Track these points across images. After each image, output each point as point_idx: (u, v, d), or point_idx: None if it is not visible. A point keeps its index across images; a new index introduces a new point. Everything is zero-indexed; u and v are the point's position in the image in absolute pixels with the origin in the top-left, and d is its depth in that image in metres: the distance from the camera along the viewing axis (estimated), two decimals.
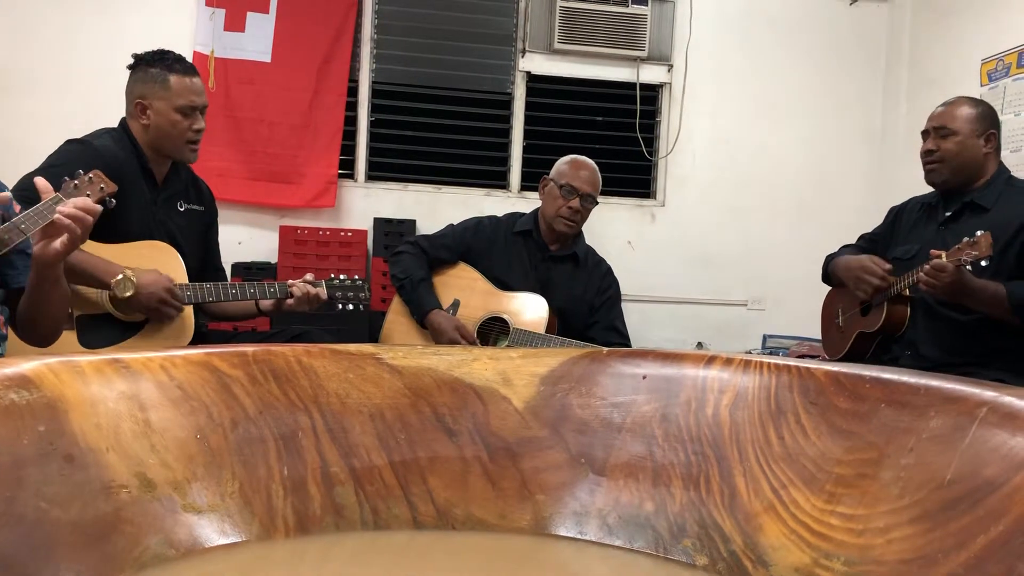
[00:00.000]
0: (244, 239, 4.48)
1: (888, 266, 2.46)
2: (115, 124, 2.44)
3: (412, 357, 1.14)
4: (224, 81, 4.49)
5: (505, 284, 2.80)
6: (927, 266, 2.19)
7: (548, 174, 2.88)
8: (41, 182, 1.64)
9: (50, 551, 0.76)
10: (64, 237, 1.60)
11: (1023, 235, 2.31)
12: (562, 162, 2.88)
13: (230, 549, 0.92)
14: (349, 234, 4.47)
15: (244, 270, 4.27)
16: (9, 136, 4.14)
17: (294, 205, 4.60)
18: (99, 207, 1.67)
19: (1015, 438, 0.76)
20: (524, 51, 4.83)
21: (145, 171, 2.38)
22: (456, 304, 2.78)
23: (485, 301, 2.78)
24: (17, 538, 0.75)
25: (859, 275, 2.52)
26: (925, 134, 2.52)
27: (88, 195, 1.74)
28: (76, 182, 1.75)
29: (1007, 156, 3.93)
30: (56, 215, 1.58)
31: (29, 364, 0.89)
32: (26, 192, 1.89)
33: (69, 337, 2.15)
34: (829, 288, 2.90)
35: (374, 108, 4.77)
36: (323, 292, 2.44)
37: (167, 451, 0.93)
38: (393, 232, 4.49)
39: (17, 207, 1.75)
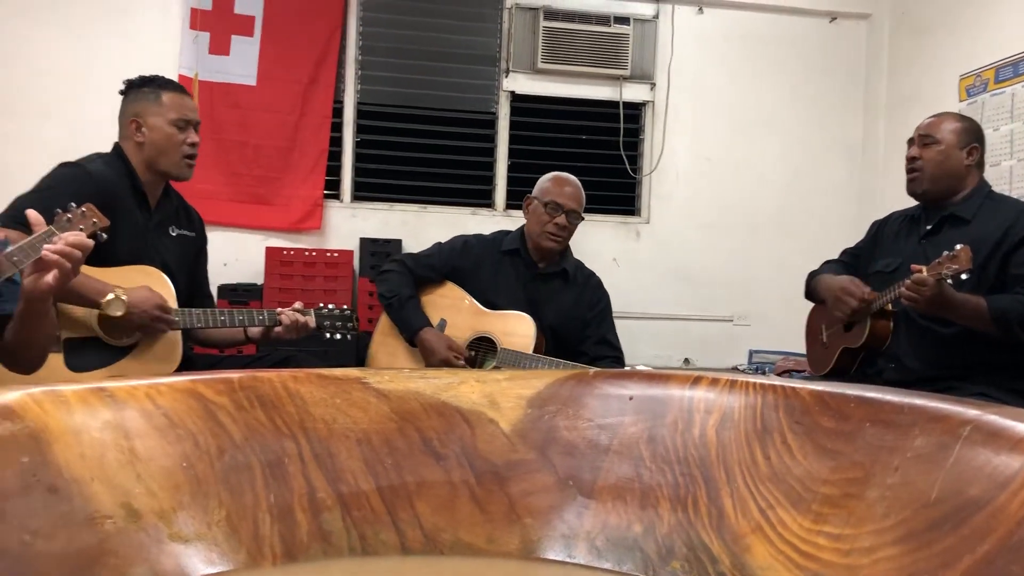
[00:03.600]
0: (230, 261, 4.47)
1: (868, 290, 2.47)
2: (100, 146, 2.44)
3: (399, 381, 1.13)
4: (209, 104, 4.49)
5: (493, 304, 2.79)
6: (908, 281, 2.21)
7: (531, 192, 2.89)
8: (33, 215, 1.63)
9: None
10: (55, 272, 1.59)
11: (1003, 247, 2.33)
12: (545, 179, 2.88)
13: None
14: (335, 255, 4.46)
15: (230, 292, 4.25)
16: None
17: (280, 227, 4.60)
18: (91, 242, 1.66)
19: (999, 456, 0.76)
20: (508, 71, 4.86)
21: (138, 194, 2.38)
22: (443, 324, 2.77)
23: (472, 321, 2.77)
24: (1, 572, 0.74)
25: (839, 295, 2.53)
26: (910, 142, 2.55)
27: (81, 228, 1.74)
28: (69, 215, 1.75)
29: (986, 170, 3.98)
30: (44, 252, 1.57)
31: (12, 394, 0.88)
32: (16, 215, 1.88)
33: (56, 360, 2.13)
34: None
35: (359, 129, 4.79)
36: (312, 321, 2.45)
37: (153, 480, 0.92)
38: (379, 252, 4.49)
39: (2, 233, 1.74)
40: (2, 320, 1.72)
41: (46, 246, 1.59)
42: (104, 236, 1.84)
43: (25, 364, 1.76)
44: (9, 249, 1.61)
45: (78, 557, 0.81)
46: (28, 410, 0.87)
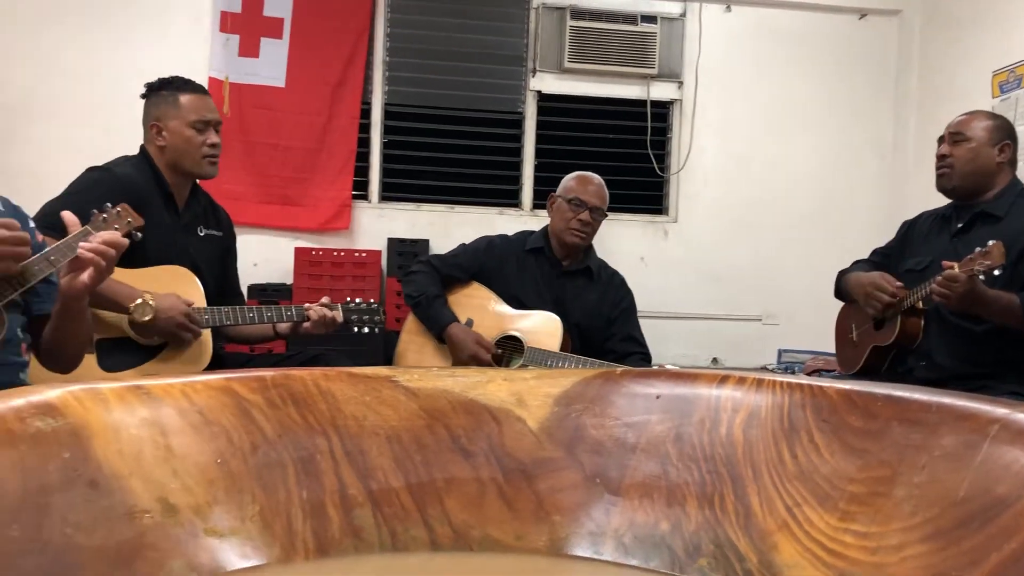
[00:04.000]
0: (259, 261, 4.52)
1: (899, 284, 2.47)
2: (133, 150, 2.49)
3: (427, 379, 1.15)
4: (239, 106, 4.55)
5: (519, 302, 2.81)
6: (939, 277, 2.19)
7: (555, 191, 2.92)
8: (68, 216, 1.67)
9: None
10: (91, 270, 1.63)
11: None
12: (569, 178, 2.92)
13: (251, 572, 0.93)
14: (363, 255, 4.50)
15: (260, 292, 4.30)
16: (30, 162, 4.20)
17: (309, 228, 4.65)
18: (125, 240, 1.70)
19: None
20: (535, 71, 4.87)
21: (166, 196, 2.42)
22: (470, 323, 2.79)
23: (498, 320, 2.79)
24: (44, 564, 0.76)
25: (869, 291, 2.53)
26: (940, 140, 2.55)
27: (116, 228, 1.78)
28: (104, 215, 1.79)
29: (1020, 168, 3.93)
30: (80, 250, 1.61)
31: (54, 392, 0.91)
32: (50, 219, 1.92)
33: (89, 360, 2.18)
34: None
35: (387, 130, 4.83)
36: (339, 315, 2.48)
37: (188, 476, 0.94)
38: (407, 252, 4.53)
39: (40, 236, 1.78)
40: (41, 320, 1.76)
41: (82, 244, 1.62)
42: (139, 235, 1.88)
43: (63, 363, 1.80)
44: (46, 249, 1.65)
45: (118, 550, 0.83)
46: (69, 407, 0.89)
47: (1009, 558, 0.70)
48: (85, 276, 1.63)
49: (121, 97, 4.29)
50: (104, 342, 2.25)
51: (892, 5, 5.03)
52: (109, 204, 1.83)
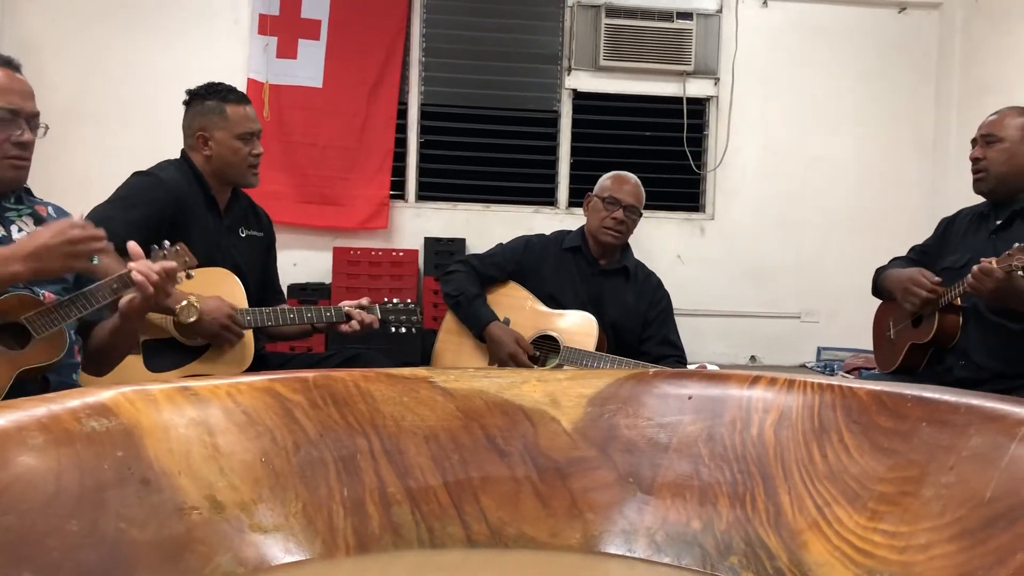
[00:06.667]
0: (299, 261, 4.59)
1: (937, 279, 2.45)
2: (175, 153, 2.54)
3: (464, 380, 1.18)
4: (277, 107, 4.62)
5: (556, 301, 2.83)
6: (975, 268, 2.18)
7: (592, 191, 2.94)
8: (133, 247, 1.76)
9: (130, 569, 0.82)
10: (138, 294, 1.72)
11: None
12: (605, 178, 2.93)
13: (295, 567, 0.96)
14: (400, 254, 4.55)
15: (300, 291, 4.37)
16: (76, 166, 4.30)
17: (347, 227, 4.70)
18: (173, 265, 1.80)
19: None
20: (570, 69, 4.89)
21: (208, 200, 2.47)
22: (507, 322, 2.82)
23: (535, 320, 2.81)
24: (101, 557, 0.80)
25: (907, 287, 2.51)
26: (974, 142, 2.52)
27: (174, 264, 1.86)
28: (164, 252, 1.87)
29: None
30: (134, 273, 1.71)
31: (107, 393, 0.95)
32: (99, 225, 1.99)
33: (135, 361, 2.24)
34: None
35: (423, 130, 4.87)
36: (376, 321, 2.51)
37: (234, 474, 0.98)
38: (443, 251, 4.57)
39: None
40: (90, 326, 1.85)
41: (132, 264, 1.71)
42: (192, 275, 1.95)
43: (103, 369, 1.90)
44: (109, 278, 1.74)
45: (169, 544, 0.87)
46: (121, 407, 0.94)
47: None
48: (136, 299, 1.71)
49: (162, 100, 4.37)
50: (149, 343, 2.31)
51: None
52: (168, 242, 1.91)
